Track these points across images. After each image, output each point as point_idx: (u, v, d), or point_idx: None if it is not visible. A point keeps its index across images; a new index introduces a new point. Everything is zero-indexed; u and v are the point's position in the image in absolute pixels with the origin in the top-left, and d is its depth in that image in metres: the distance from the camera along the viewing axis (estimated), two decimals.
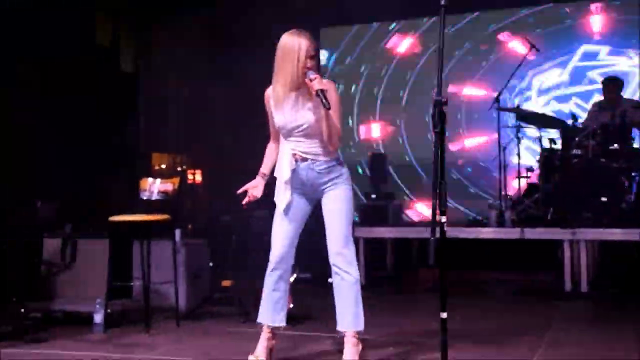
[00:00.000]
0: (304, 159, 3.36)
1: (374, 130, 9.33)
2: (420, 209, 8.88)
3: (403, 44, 9.25)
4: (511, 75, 6.98)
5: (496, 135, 6.92)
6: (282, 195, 3.38)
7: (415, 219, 8.67)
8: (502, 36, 8.65)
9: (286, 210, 3.39)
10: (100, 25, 9.35)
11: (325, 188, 3.39)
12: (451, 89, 8.68)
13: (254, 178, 3.55)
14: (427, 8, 8.28)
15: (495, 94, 6.96)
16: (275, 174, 3.44)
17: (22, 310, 4.71)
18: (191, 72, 9.63)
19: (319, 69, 3.37)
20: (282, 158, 3.40)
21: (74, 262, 4.81)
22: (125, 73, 9.75)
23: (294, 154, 3.36)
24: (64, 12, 8.14)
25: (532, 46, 6.97)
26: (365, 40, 9.42)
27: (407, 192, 8.93)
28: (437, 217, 2.52)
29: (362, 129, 9.35)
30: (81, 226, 5.12)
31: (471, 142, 8.75)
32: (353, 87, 9.39)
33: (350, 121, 9.34)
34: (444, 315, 2.47)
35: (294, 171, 3.36)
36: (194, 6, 9.07)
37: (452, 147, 8.73)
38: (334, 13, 8.80)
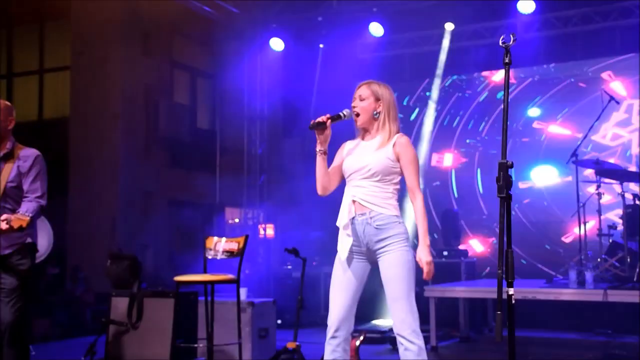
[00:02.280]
0: (362, 213, 3.27)
1: (446, 160, 9.24)
2: (474, 245, 8.67)
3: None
4: (589, 129, 6.70)
5: (570, 178, 6.65)
6: (343, 242, 3.27)
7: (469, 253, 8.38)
8: (605, 75, 8.37)
9: (349, 260, 3.27)
10: (179, 83, 9.69)
11: (381, 249, 3.24)
12: (536, 125, 8.49)
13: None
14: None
15: (579, 136, 6.68)
16: (337, 223, 3.35)
17: None
18: (265, 127, 9.77)
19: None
20: (343, 204, 3.33)
21: (140, 321, 4.82)
22: (202, 129, 10.02)
23: (354, 201, 3.28)
24: (144, 70, 8.49)
25: (612, 98, 6.67)
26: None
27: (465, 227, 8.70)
28: (505, 289, 2.35)
29: (435, 157, 9.27)
30: (149, 285, 5.16)
31: (543, 180, 8.47)
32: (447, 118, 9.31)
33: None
34: None
35: (352, 220, 3.27)
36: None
37: (522, 185, 8.47)
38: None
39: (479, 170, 9.03)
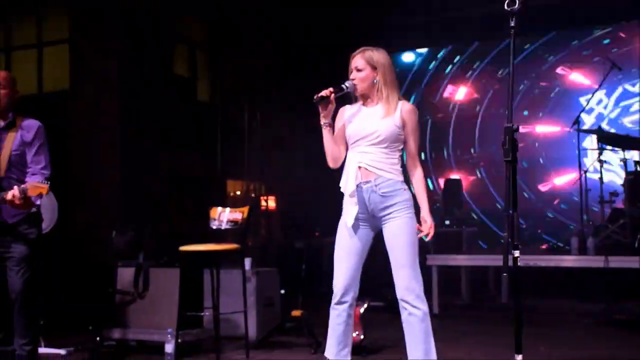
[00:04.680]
0: (367, 181, 3.28)
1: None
2: None
3: (460, 92, 9.16)
4: (592, 94, 6.70)
5: (570, 130, 6.73)
6: (349, 209, 3.29)
7: None
8: (560, 70, 8.50)
9: (354, 226, 3.29)
10: (179, 55, 9.63)
11: (386, 216, 3.26)
12: (522, 130, 8.49)
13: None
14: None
15: (567, 128, 6.74)
16: (342, 189, 3.37)
17: (98, 338, 4.82)
18: (266, 99, 9.74)
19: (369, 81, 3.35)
20: (347, 171, 3.34)
21: (147, 291, 4.87)
22: (202, 102, 9.99)
23: (360, 167, 3.29)
24: (144, 43, 8.43)
25: (614, 65, 6.65)
26: (420, 91, 9.34)
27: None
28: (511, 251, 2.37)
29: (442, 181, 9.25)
30: (154, 255, 5.20)
31: (561, 180, 8.49)
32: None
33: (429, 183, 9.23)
34: (519, 358, 2.31)
35: (358, 187, 3.28)
36: (267, 35, 9.21)
37: (543, 188, 8.53)
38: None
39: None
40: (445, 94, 9.29)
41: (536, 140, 8.68)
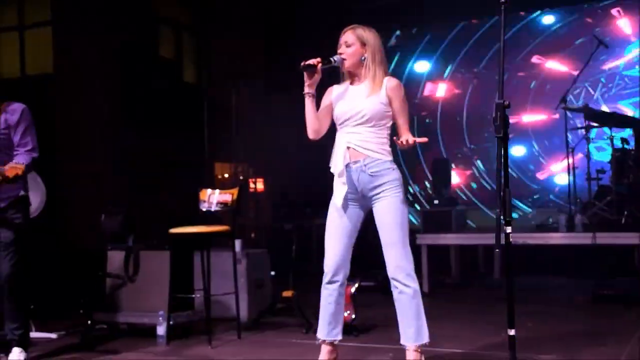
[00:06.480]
0: (356, 161, 3.28)
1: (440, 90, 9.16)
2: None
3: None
4: (579, 73, 6.70)
5: (557, 116, 6.69)
6: (338, 189, 3.30)
7: None
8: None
9: (344, 206, 3.29)
10: (164, 38, 9.53)
11: (375, 196, 3.27)
12: (534, 59, 8.41)
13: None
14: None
15: (575, 73, 6.70)
16: (332, 170, 3.36)
17: (89, 322, 4.80)
18: (252, 81, 9.68)
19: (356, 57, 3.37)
20: (336, 151, 3.34)
21: (137, 274, 4.85)
22: (188, 84, 9.91)
23: (348, 148, 3.29)
24: (129, 25, 8.34)
25: (600, 42, 6.66)
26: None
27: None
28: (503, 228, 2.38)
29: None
30: (144, 238, 5.17)
31: (529, 118, 8.44)
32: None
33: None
34: (512, 332, 2.32)
35: (347, 167, 3.28)
36: (253, 19, 9.12)
37: (511, 120, 8.48)
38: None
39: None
40: (427, 93, 9.23)
41: (539, 72, 8.54)
